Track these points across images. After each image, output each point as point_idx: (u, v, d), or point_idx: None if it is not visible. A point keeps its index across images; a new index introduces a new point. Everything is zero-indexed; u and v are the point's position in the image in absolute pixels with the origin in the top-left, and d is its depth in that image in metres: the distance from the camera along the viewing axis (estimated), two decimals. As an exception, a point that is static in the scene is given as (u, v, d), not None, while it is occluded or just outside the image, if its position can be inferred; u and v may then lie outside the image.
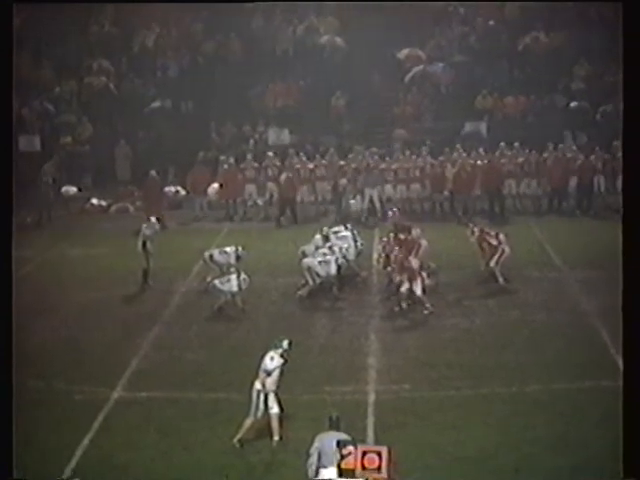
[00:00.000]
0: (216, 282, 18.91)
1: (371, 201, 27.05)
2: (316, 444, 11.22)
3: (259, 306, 19.36)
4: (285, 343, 13.60)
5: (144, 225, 21.29)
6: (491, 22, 33.56)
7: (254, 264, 20.98)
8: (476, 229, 20.38)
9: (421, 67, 32.40)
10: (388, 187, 27.72)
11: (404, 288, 18.44)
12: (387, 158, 28.35)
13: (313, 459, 11.15)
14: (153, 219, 21.79)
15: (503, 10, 33.63)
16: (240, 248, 20.35)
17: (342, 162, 28.21)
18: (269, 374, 13.33)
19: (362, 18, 32.90)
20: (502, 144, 28.01)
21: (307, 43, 33.61)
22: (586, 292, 19.42)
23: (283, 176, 27.35)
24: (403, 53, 32.84)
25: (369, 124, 31.78)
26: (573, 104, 30.73)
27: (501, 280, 19.80)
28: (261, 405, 13.26)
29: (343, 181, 27.64)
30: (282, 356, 13.47)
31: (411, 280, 18.40)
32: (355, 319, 18.54)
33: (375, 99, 32.27)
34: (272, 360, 13.44)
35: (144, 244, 20.78)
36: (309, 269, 19.45)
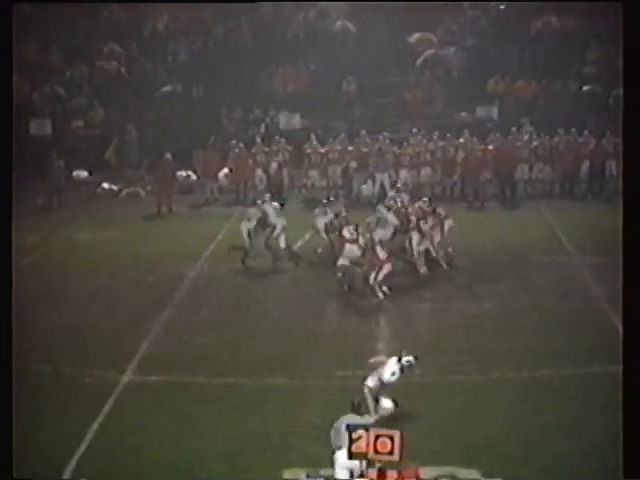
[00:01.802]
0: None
1: (382, 186, 26.96)
2: (335, 425, 11.27)
3: (268, 291, 19.36)
4: (406, 360, 13.23)
5: (251, 210, 21.18)
6: (502, 6, 33.43)
7: (262, 249, 21.00)
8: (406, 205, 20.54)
9: (432, 51, 32.31)
10: (399, 172, 27.63)
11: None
12: (399, 143, 28.26)
13: (332, 440, 11.19)
14: (253, 209, 21.47)
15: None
16: None
17: (352, 147, 28.14)
18: (384, 384, 13.12)
19: (373, 2, 32.75)
20: (514, 129, 27.94)
21: (318, 28, 33.55)
22: (597, 277, 19.31)
23: (274, 165, 27.28)
24: (414, 37, 32.77)
25: (380, 109, 31.74)
26: (585, 88, 30.55)
27: (423, 270, 19.72)
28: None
29: (354, 165, 27.61)
30: (402, 371, 13.22)
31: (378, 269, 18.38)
32: (365, 303, 18.48)
33: (386, 84, 32.18)
34: (393, 375, 13.20)
35: (249, 233, 20.64)
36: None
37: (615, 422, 11.55)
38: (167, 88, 32.23)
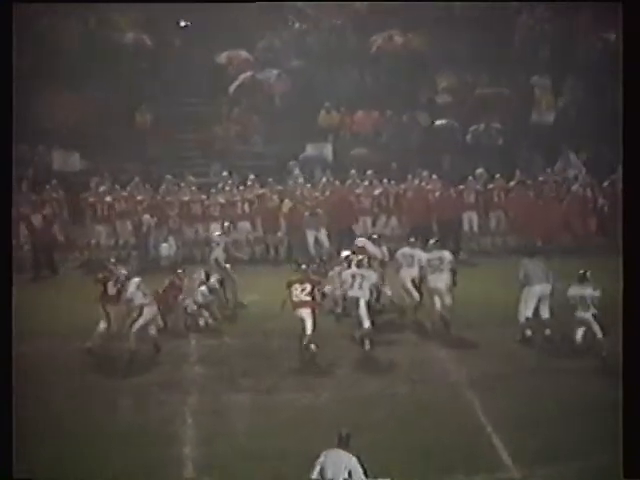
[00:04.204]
0: None
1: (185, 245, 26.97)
2: (320, 459, 13.07)
3: (43, 378, 19.10)
4: None
5: None
6: (336, 20, 34.11)
7: (36, 325, 20.60)
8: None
9: (249, 74, 32.59)
10: (208, 226, 27.65)
11: None
12: (208, 189, 28.39)
13: (315, 474, 13.01)
14: None
15: (351, 5, 34.29)
16: None
17: (149, 195, 28.07)
18: None
19: (175, 13, 32.94)
20: (353, 171, 28.44)
21: (102, 42, 33.30)
22: (456, 359, 19.87)
23: (38, 218, 26.95)
24: (224, 56, 32.94)
25: (183, 147, 31.83)
26: (439, 122, 31.49)
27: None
28: None
29: (149, 219, 27.33)
30: None
31: None
32: (167, 397, 18.36)
33: (190, 115, 32.30)
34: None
35: None
36: None
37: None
38: None
